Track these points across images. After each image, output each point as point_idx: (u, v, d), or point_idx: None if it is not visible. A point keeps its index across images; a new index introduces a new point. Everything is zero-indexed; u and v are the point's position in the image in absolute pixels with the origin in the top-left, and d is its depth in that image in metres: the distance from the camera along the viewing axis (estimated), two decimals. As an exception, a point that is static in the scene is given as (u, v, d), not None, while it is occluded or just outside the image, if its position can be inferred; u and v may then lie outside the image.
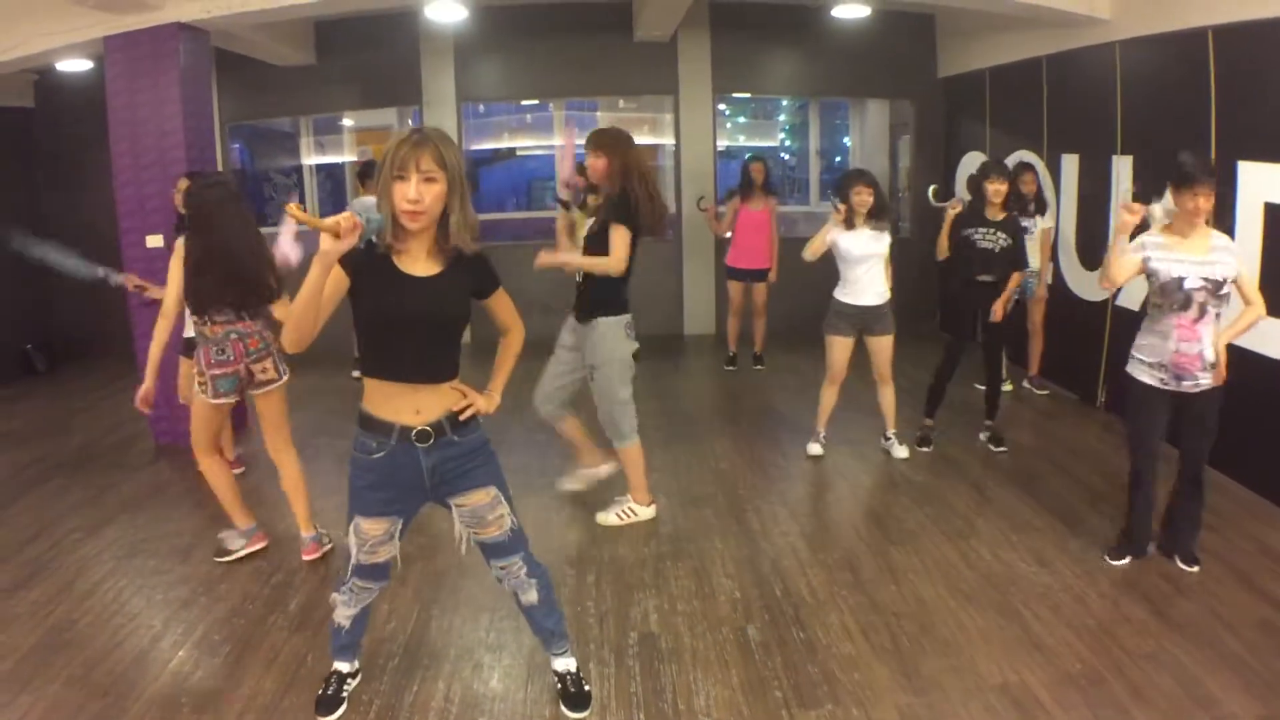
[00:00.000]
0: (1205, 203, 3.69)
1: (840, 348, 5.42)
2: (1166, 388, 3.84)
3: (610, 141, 4.33)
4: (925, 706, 3.11)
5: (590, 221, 4.46)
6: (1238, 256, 3.80)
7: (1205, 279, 3.71)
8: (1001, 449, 5.67)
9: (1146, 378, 3.89)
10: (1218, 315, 3.78)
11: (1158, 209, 3.86)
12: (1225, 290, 3.75)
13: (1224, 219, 4.72)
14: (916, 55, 9.09)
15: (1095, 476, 5.17)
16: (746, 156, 7.74)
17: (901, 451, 5.58)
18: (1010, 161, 7.02)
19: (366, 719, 3.07)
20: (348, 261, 2.44)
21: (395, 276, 2.54)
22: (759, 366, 7.95)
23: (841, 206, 5.18)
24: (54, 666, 3.38)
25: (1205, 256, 3.74)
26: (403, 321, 2.56)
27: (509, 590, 3.01)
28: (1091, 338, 6.43)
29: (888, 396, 5.58)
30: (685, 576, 4.12)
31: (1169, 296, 3.74)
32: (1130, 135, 6.01)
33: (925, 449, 5.73)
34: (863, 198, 5.16)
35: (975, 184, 5.50)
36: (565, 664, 3.16)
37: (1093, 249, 6.47)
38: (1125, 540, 4.15)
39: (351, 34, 8.73)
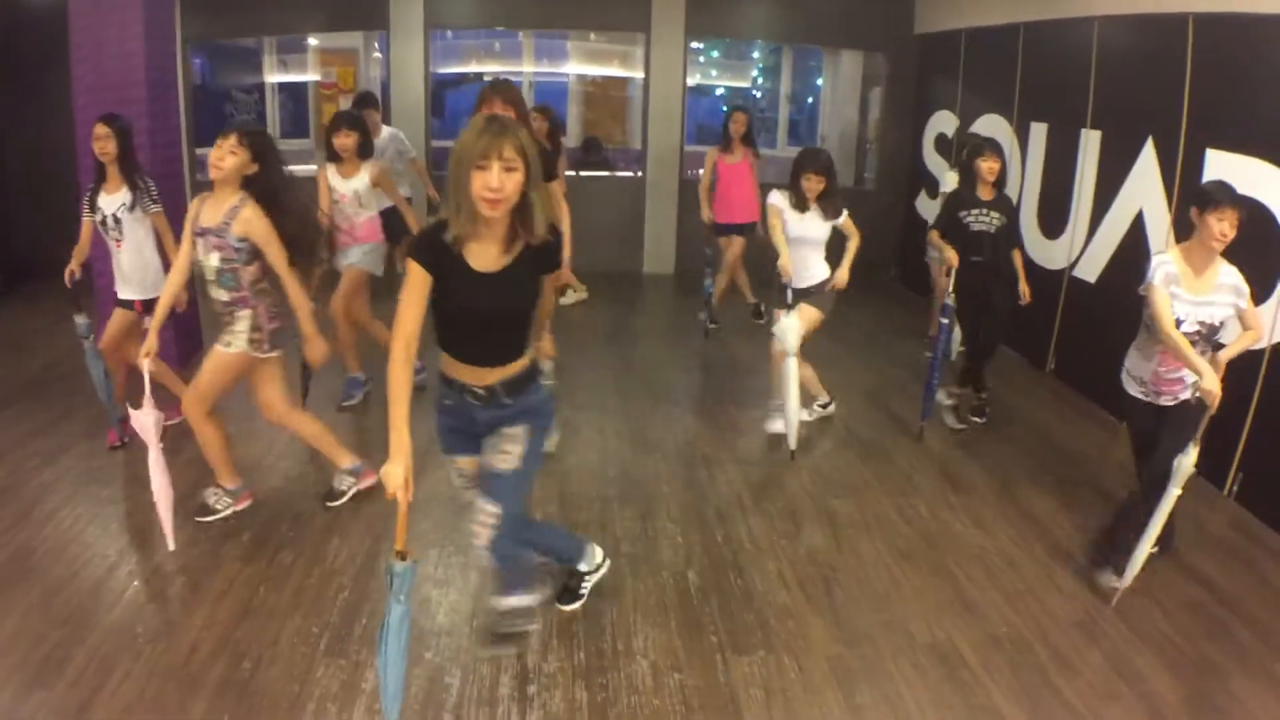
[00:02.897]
0: (1230, 229, 3.45)
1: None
2: (1148, 400, 3.78)
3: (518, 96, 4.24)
4: (856, 658, 3.26)
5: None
6: (1243, 293, 3.58)
7: (1200, 323, 3.56)
8: (977, 420, 5.58)
9: (1133, 390, 3.83)
10: (1205, 352, 3.59)
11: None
12: (1219, 334, 3.61)
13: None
14: (893, 9, 9.02)
15: (1037, 441, 5.32)
16: (725, 108, 7.47)
17: (778, 426, 5.21)
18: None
19: (316, 650, 3.17)
20: (427, 261, 2.55)
21: (468, 275, 2.61)
22: (760, 320, 7.49)
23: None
24: (12, 596, 3.42)
25: (1207, 296, 3.56)
26: (476, 317, 2.68)
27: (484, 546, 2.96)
28: (1046, 305, 6.53)
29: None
30: (631, 519, 4.23)
31: None
32: (1101, 110, 6.06)
33: (979, 420, 5.60)
34: (811, 185, 4.85)
35: (966, 163, 5.40)
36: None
37: (1055, 217, 6.56)
38: (1113, 553, 3.81)
39: (320, -46, 8.53)
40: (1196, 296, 3.55)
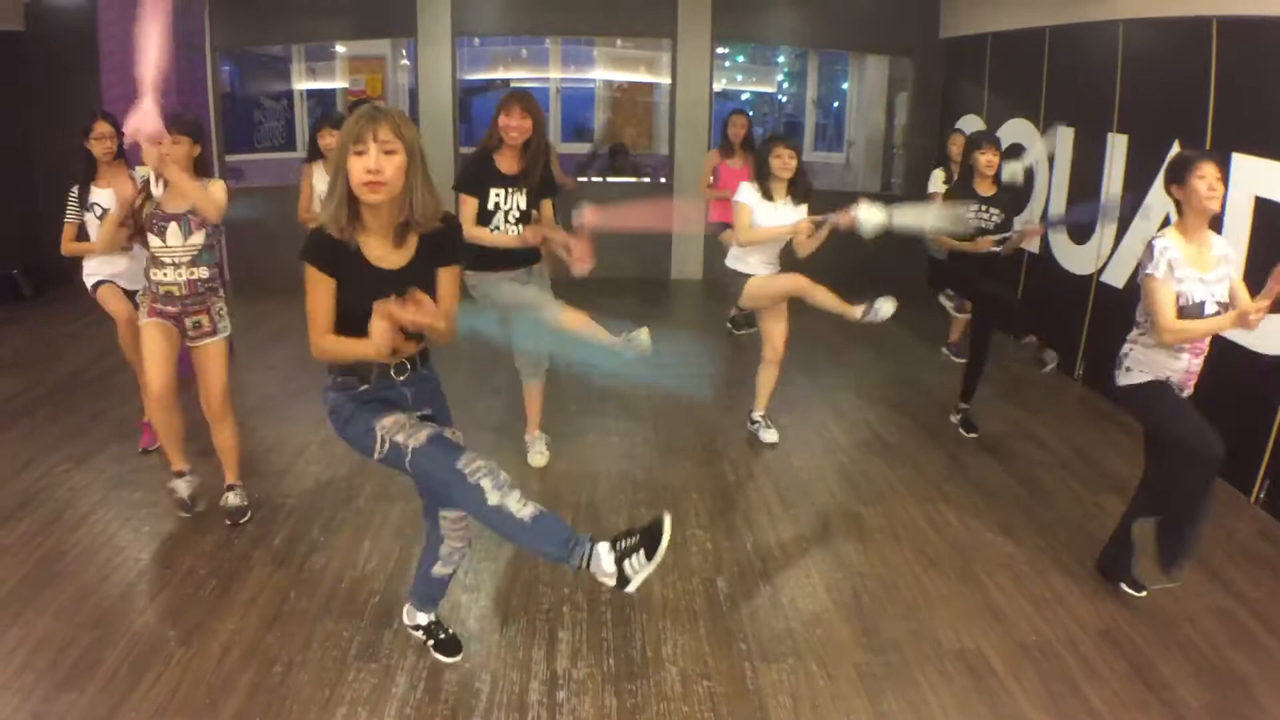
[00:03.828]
0: (1216, 182, 3.30)
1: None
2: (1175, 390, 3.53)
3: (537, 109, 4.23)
4: (882, 666, 3.24)
5: (524, 195, 4.31)
6: (1235, 262, 3.49)
7: (1219, 303, 3.40)
8: (973, 434, 5.39)
9: (1152, 375, 3.52)
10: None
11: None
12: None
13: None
14: (919, 14, 9.00)
15: (1066, 449, 5.27)
16: (728, 112, 7.44)
17: (771, 436, 5.23)
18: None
19: (347, 654, 3.19)
20: (325, 264, 2.48)
21: (368, 272, 2.53)
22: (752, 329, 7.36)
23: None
24: (43, 599, 3.45)
25: (1215, 272, 3.41)
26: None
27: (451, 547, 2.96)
28: (1074, 311, 6.49)
29: (771, 376, 5.17)
30: (659, 526, 4.22)
31: (1187, 317, 3.38)
32: (1127, 114, 6.01)
33: (972, 434, 5.39)
34: (783, 161, 4.64)
35: (964, 156, 5.28)
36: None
37: (1082, 223, 6.50)
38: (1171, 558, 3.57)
39: (347, -38, 8.61)
40: (1206, 274, 3.39)
